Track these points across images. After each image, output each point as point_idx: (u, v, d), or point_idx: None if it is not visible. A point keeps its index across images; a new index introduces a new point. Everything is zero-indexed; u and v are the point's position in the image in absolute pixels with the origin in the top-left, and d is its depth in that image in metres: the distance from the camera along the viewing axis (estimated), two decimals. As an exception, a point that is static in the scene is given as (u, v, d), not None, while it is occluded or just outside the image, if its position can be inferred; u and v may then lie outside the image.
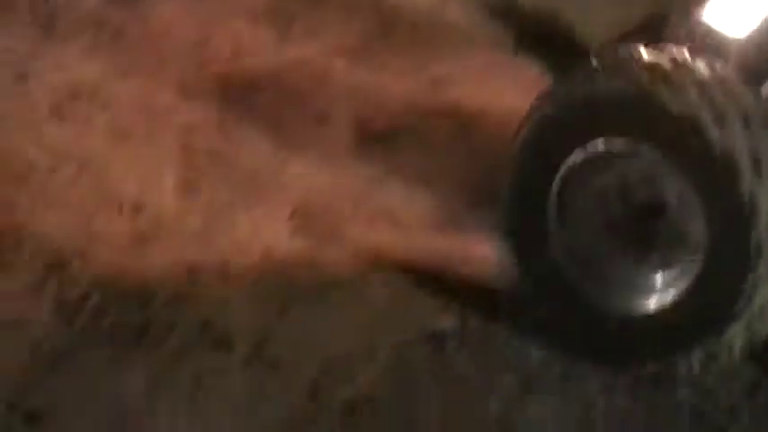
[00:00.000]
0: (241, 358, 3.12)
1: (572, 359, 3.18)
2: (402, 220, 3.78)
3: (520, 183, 3.19)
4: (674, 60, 2.98)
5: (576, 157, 3.07)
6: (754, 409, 3.06)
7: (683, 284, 3.04)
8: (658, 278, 3.13)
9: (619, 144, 3.01)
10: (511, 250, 3.26)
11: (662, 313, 3.07)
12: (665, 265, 3.12)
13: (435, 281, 3.53)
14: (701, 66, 2.97)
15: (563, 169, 3.10)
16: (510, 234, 3.25)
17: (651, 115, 2.93)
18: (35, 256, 3.50)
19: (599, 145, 3.03)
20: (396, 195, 3.86)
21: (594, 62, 3.12)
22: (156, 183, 3.98)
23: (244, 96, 4.48)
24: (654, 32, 3.27)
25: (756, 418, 3.04)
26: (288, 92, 4.42)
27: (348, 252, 3.57)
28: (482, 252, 3.45)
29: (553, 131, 3.10)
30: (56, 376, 2.97)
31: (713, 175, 2.89)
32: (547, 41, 3.99)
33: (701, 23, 3.25)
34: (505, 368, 3.19)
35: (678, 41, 3.14)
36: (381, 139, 4.13)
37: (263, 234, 3.77)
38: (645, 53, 3.02)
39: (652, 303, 3.11)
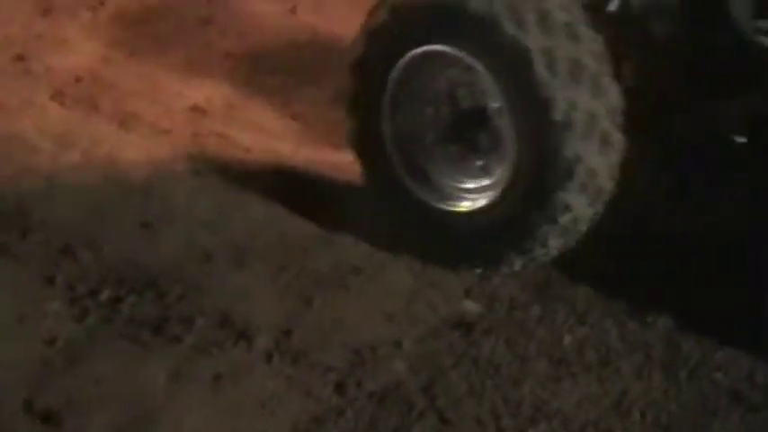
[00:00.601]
0: (263, 352, 3.00)
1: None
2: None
3: (358, 87, 3.44)
4: None
5: (404, 62, 3.32)
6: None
7: (498, 187, 3.27)
8: (477, 181, 3.38)
9: (441, 50, 3.25)
10: (354, 153, 3.53)
11: (479, 213, 3.31)
12: (481, 168, 3.36)
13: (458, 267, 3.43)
14: None
15: (393, 74, 3.35)
16: (351, 135, 3.51)
17: (458, 19, 3.15)
18: (44, 245, 3.37)
19: (425, 50, 3.28)
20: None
21: None
22: (166, 167, 3.86)
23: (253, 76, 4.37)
24: None
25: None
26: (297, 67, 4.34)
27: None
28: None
29: (383, 40, 3.33)
30: (72, 373, 2.85)
31: (512, 72, 3.10)
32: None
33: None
34: (537, 353, 3.08)
35: None
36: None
37: (278, 217, 3.66)
38: None
39: (471, 204, 3.35)
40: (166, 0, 4.93)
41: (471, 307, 3.27)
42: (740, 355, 3.07)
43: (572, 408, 2.91)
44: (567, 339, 3.15)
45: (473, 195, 3.38)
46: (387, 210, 3.50)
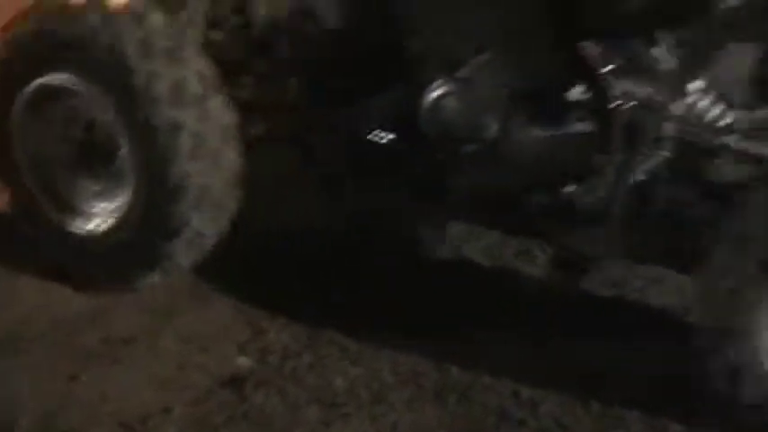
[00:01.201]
0: (26, 436, 2.91)
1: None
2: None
3: None
4: None
5: (27, 95, 3.47)
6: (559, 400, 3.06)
7: (122, 209, 3.44)
8: (102, 203, 3.54)
9: (57, 80, 3.42)
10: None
11: (107, 235, 3.49)
12: (105, 191, 3.54)
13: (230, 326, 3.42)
14: None
15: (17, 107, 3.50)
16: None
17: (64, 49, 3.34)
18: None
19: (43, 82, 3.43)
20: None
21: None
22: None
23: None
24: None
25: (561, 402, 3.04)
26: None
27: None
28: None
29: (8, 67, 3.49)
30: None
31: (121, 97, 3.29)
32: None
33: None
34: (308, 400, 3.08)
35: None
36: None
37: (50, 299, 3.57)
38: None
39: (98, 225, 3.52)
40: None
41: (244, 363, 3.26)
42: (505, 373, 3.14)
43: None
44: (339, 381, 3.16)
45: (102, 218, 3.53)
46: (32, 240, 3.64)
